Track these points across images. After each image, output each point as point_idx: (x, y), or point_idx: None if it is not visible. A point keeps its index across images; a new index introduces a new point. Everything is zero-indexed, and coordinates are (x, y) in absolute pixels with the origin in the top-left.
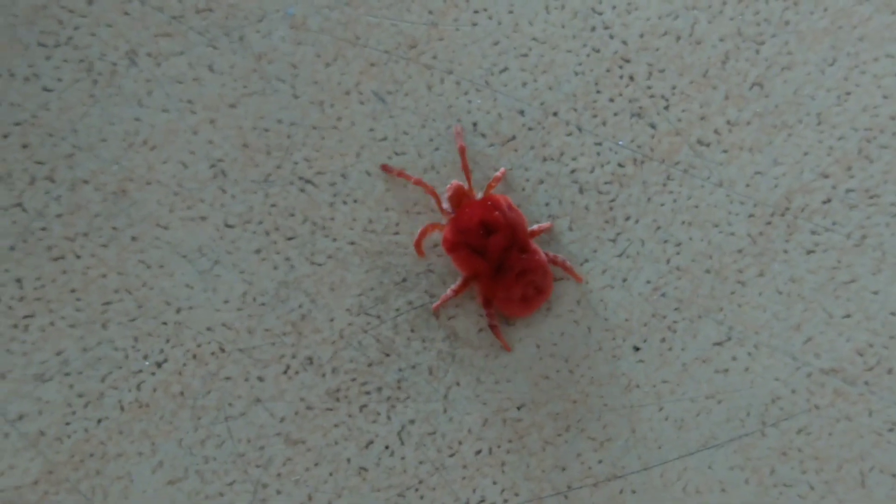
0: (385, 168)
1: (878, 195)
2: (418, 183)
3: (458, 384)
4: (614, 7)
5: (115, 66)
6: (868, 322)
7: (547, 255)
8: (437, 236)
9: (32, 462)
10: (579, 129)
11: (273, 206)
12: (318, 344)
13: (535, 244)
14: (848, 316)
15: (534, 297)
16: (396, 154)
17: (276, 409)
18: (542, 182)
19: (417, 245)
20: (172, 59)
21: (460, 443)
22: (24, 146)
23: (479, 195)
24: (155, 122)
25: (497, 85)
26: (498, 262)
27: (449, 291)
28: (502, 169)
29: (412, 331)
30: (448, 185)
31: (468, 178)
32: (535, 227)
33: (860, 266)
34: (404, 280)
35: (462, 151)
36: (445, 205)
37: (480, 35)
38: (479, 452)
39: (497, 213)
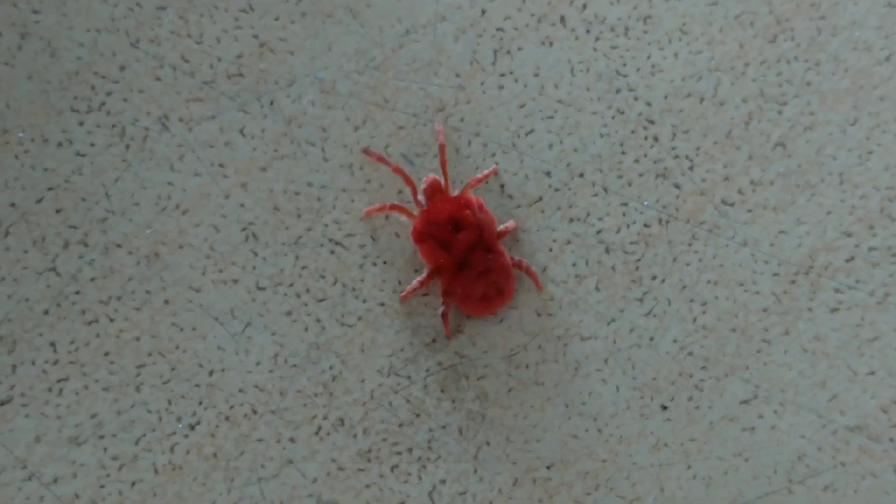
0: (365, 152)
1: None
2: (397, 170)
3: (487, 444)
4: (638, 69)
5: (148, 130)
6: (892, 379)
7: (512, 258)
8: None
9: None
10: (605, 190)
11: (304, 268)
12: (350, 405)
13: (501, 247)
14: (872, 373)
15: (494, 297)
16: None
17: (307, 470)
18: (569, 242)
19: (368, 212)
20: (204, 123)
21: (491, 503)
22: (58, 211)
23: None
24: (187, 186)
25: (523, 147)
26: (462, 258)
27: (415, 283)
28: (493, 167)
29: (442, 391)
30: (425, 178)
31: (445, 175)
32: (501, 227)
33: (884, 323)
34: (434, 341)
35: (442, 149)
36: (420, 196)
37: (507, 98)
38: None
39: (467, 211)
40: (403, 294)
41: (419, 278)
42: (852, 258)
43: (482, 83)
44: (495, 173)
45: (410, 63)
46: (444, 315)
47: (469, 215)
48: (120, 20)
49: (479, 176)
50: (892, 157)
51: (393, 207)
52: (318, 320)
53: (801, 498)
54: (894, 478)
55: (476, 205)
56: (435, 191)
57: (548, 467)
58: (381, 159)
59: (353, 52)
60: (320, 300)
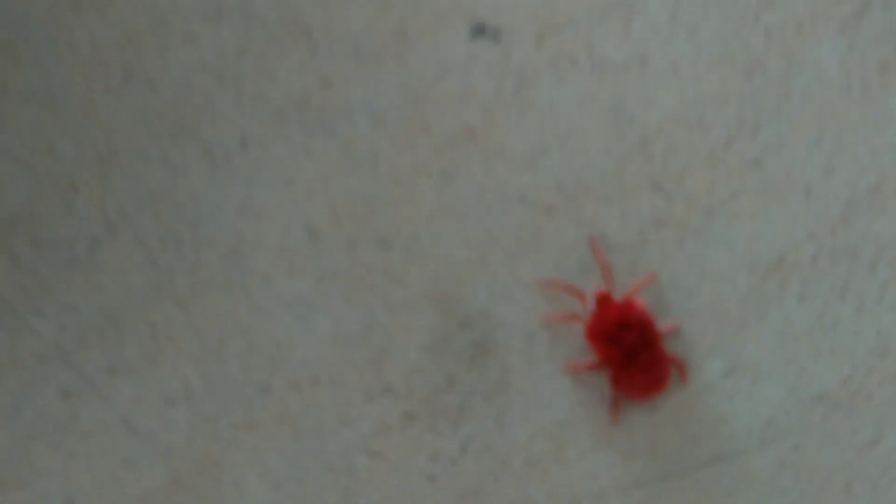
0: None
1: (858, 253)
2: (569, 289)
3: (510, 408)
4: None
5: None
6: (850, 357)
7: (669, 353)
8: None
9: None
10: (608, 200)
11: (357, 263)
12: (395, 375)
13: (660, 343)
14: (833, 352)
15: (653, 387)
16: (458, 220)
17: (361, 427)
18: (576, 245)
19: (550, 318)
20: (278, 143)
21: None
22: (157, 216)
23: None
24: (263, 196)
25: (540, 164)
26: (628, 354)
27: (584, 364)
28: (650, 274)
29: (472, 363)
30: (596, 291)
31: (609, 282)
32: (665, 326)
33: (843, 311)
34: (467, 321)
35: (604, 267)
36: (590, 305)
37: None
38: (526, 462)
39: (632, 314)
40: (571, 368)
41: (588, 360)
42: (816, 257)
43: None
44: (653, 280)
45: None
46: (612, 403)
47: (633, 318)
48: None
49: (638, 283)
50: (851, 173)
51: (571, 317)
52: (370, 306)
53: (771, 455)
54: (851, 438)
55: (640, 310)
56: (604, 298)
57: (559, 427)
58: (558, 286)
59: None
60: (371, 288)
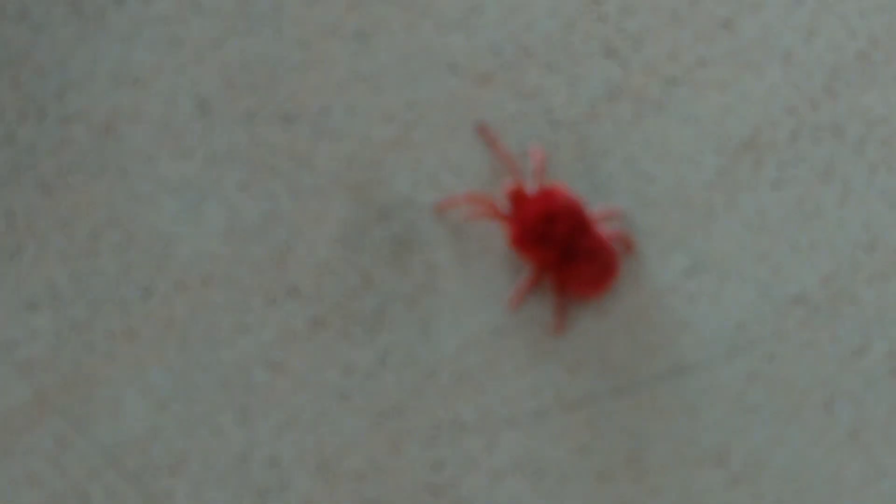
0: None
1: (843, 131)
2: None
3: (436, 313)
4: None
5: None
6: (832, 251)
7: (608, 232)
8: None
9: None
10: (551, 68)
11: (256, 142)
12: (302, 274)
13: (594, 223)
14: (813, 246)
15: (604, 275)
16: (376, 91)
17: (261, 336)
18: (515, 120)
19: (443, 206)
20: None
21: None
22: (15, 83)
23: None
24: (143, 60)
25: (474, 24)
26: (565, 249)
27: (523, 285)
28: (537, 151)
29: (392, 260)
30: (506, 186)
31: (514, 172)
32: (601, 210)
33: (825, 198)
34: (387, 211)
35: (504, 155)
36: (503, 207)
37: None
38: (455, 376)
39: (556, 202)
40: (513, 301)
41: (525, 279)
42: (795, 135)
43: None
44: (540, 156)
45: None
46: (557, 308)
47: (557, 206)
48: None
49: (536, 164)
50: (836, 37)
51: (484, 212)
52: (271, 192)
53: (740, 367)
54: (832, 347)
55: (562, 194)
56: (516, 195)
57: (493, 334)
58: (459, 201)
59: None
60: (273, 172)
